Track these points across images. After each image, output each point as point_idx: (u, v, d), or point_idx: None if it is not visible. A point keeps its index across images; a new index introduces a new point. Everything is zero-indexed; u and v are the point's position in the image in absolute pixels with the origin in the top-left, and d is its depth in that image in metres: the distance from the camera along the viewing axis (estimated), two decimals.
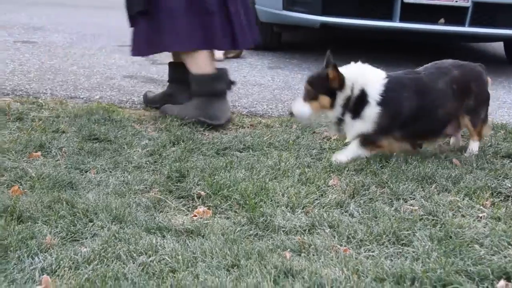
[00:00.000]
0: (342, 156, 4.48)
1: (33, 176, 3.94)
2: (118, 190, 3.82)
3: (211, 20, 5.14)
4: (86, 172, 4.13)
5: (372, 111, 4.43)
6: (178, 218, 3.51)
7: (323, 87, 4.44)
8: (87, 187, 3.86)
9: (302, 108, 4.50)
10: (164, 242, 3.17)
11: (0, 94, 5.84)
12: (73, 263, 2.94)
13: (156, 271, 2.90)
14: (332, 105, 4.47)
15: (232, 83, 5.36)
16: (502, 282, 2.90)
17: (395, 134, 4.52)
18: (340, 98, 4.46)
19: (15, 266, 2.91)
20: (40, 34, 9.21)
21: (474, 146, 4.75)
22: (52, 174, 3.98)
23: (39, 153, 4.40)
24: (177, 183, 3.97)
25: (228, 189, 3.82)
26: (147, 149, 4.54)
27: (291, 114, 4.56)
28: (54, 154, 4.40)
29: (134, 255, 3.02)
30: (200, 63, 5.24)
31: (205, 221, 3.46)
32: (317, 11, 7.82)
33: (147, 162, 4.32)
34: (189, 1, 5.11)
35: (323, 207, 3.69)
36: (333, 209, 3.68)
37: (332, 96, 4.45)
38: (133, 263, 2.95)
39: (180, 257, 3.00)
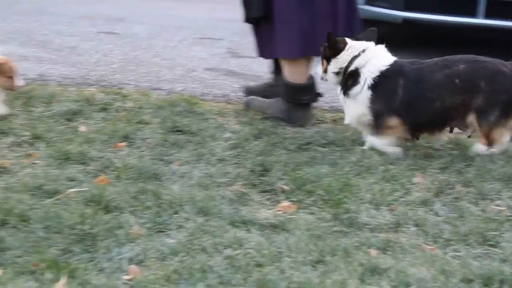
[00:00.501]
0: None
1: (119, 166, 4.00)
2: (202, 182, 3.84)
3: (318, 25, 5.11)
4: (170, 163, 4.16)
5: (363, 94, 4.55)
6: (262, 212, 3.52)
7: (324, 52, 4.75)
8: (172, 179, 3.89)
9: (318, 69, 4.88)
10: (249, 235, 3.18)
11: (85, 84, 5.93)
12: (160, 254, 2.97)
13: (242, 264, 2.90)
14: (325, 70, 4.74)
15: (318, 95, 5.35)
16: None
17: (392, 120, 4.51)
18: (332, 65, 4.69)
19: (103, 255, 2.95)
20: (122, 25, 9.31)
21: (478, 147, 4.53)
22: (137, 164, 4.03)
23: (123, 143, 4.45)
24: (260, 177, 3.97)
25: (311, 184, 3.81)
26: (230, 142, 4.56)
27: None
28: (139, 145, 4.45)
29: (220, 248, 3.04)
30: (297, 71, 5.21)
31: (289, 216, 3.46)
32: (399, 6, 7.75)
33: (230, 155, 4.33)
34: (299, 5, 5.08)
35: (408, 205, 3.65)
36: (418, 207, 3.64)
37: (328, 61, 4.71)
38: (219, 256, 2.96)
39: (265, 251, 3.01)
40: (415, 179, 4.02)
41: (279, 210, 3.56)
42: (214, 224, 3.27)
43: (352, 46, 4.64)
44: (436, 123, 4.57)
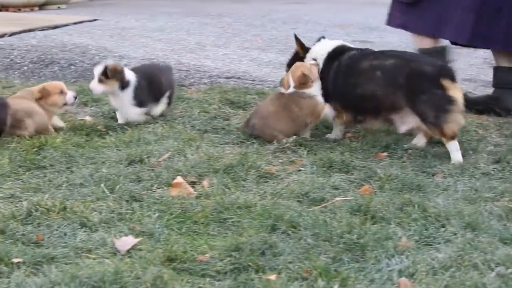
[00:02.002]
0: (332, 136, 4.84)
1: (382, 177, 4.00)
2: (467, 196, 3.77)
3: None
4: (433, 175, 4.11)
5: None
6: None
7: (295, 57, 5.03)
8: (435, 191, 3.85)
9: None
10: None
11: None
12: (430, 268, 2.93)
13: None
14: None
15: None
16: None
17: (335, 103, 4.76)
18: None
19: (372, 266, 2.96)
20: (376, 34, 9.33)
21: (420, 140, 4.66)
22: (399, 175, 4.03)
23: (385, 153, 4.46)
24: None
25: None
26: (493, 156, 4.43)
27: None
28: (400, 155, 4.44)
29: (492, 265, 2.95)
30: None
31: None
32: None
33: (494, 170, 4.22)
34: None
35: None
36: None
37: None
38: (492, 274, 2.88)
39: None
40: None
41: None
42: (483, 240, 3.19)
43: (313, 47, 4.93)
44: (364, 109, 4.66)
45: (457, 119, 4.42)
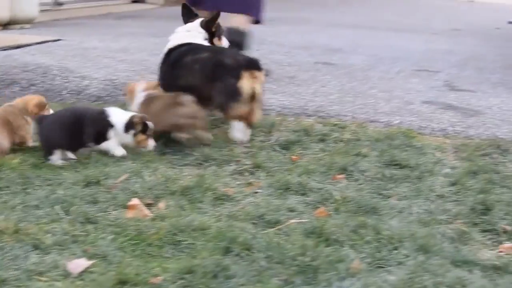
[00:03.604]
0: None
1: (338, 199, 4.03)
2: (421, 218, 3.81)
3: None
4: (389, 198, 4.15)
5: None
6: (483, 253, 3.44)
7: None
8: (390, 213, 3.88)
9: None
10: (471, 276, 3.11)
11: (303, 114, 6.02)
12: None
13: None
14: None
15: None
16: None
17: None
18: None
19: None
20: (338, 55, 9.38)
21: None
22: (355, 197, 4.06)
23: (342, 175, 4.49)
24: (481, 215, 3.88)
25: None
26: (449, 179, 4.48)
27: None
28: (357, 177, 4.47)
29: None
30: None
31: None
32: None
33: (450, 192, 4.26)
34: None
35: None
36: None
37: None
38: None
39: None
40: None
41: (501, 251, 3.46)
42: (435, 262, 3.23)
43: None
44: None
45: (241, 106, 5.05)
